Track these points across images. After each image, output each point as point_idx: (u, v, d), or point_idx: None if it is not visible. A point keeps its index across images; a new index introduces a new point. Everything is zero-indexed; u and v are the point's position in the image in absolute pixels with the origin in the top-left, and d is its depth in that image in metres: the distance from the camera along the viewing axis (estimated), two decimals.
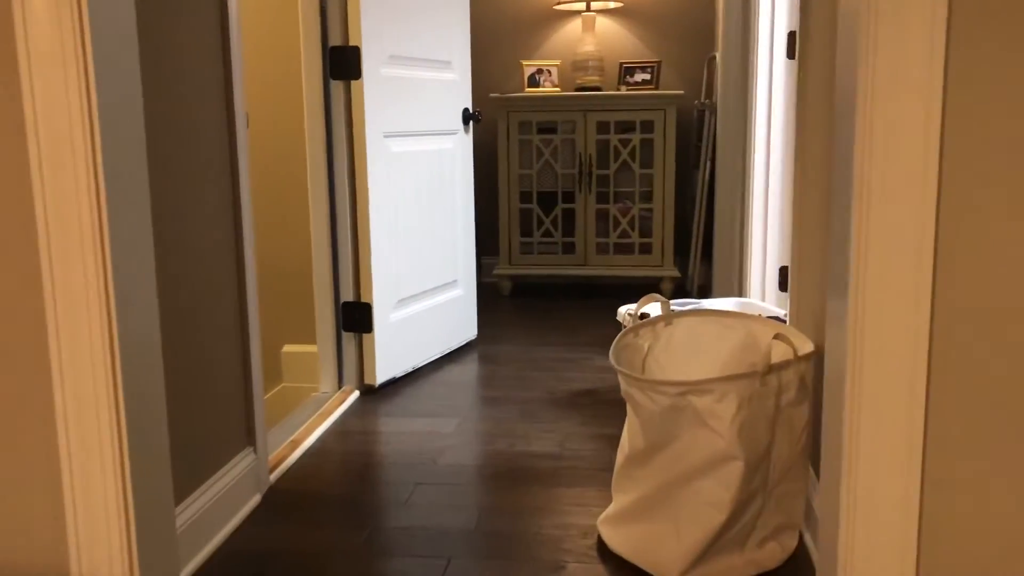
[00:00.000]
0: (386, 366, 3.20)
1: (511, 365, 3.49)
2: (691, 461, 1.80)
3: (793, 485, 1.89)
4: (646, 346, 2.10)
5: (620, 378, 1.92)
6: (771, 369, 1.77)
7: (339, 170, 3.05)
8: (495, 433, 2.76)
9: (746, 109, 3.16)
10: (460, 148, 3.61)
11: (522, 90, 4.89)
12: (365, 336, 3.14)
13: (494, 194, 5.03)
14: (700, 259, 4.69)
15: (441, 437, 2.74)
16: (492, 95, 4.66)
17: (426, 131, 3.36)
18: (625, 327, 2.85)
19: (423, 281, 3.39)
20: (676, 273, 4.69)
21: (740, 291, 3.91)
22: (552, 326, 4.13)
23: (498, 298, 4.77)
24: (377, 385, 3.17)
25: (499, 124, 4.68)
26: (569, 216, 4.78)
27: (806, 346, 1.88)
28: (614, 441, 2.66)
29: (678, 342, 2.12)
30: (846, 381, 1.42)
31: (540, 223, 4.75)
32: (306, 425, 2.81)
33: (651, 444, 1.85)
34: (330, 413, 2.93)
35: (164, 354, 1.85)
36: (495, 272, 4.80)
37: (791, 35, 3.03)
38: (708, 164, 4.57)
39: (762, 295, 3.25)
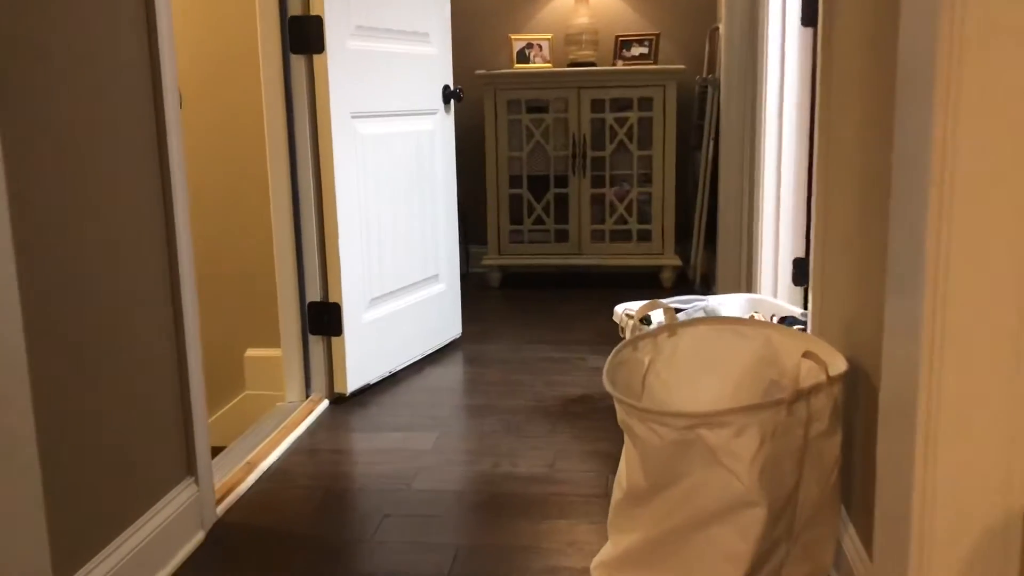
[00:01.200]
0: (358, 372, 2.89)
1: (498, 367, 3.18)
2: (702, 505, 1.49)
3: (822, 529, 1.59)
4: (646, 361, 1.79)
5: (616, 405, 1.61)
6: (800, 395, 1.46)
7: (302, 156, 2.73)
8: (478, 450, 2.46)
9: (755, 84, 2.84)
10: (440, 129, 3.29)
11: (511, 66, 4.56)
12: (334, 340, 2.83)
13: (481, 179, 4.70)
14: (703, 247, 4.37)
15: (417, 455, 2.44)
16: (478, 72, 4.33)
17: (401, 111, 3.04)
18: (621, 328, 2.54)
19: (400, 277, 3.08)
20: (677, 262, 4.38)
21: (748, 283, 3.60)
22: (544, 321, 3.82)
23: (486, 290, 4.46)
24: (348, 394, 2.86)
25: (486, 103, 4.35)
26: (562, 202, 4.46)
27: (838, 363, 1.57)
28: (610, 460, 2.36)
29: (684, 354, 1.81)
30: (918, 404, 1.13)
31: (531, 209, 4.43)
32: (266, 442, 2.51)
33: (654, 483, 1.55)
34: (294, 427, 2.63)
35: (75, 374, 1.54)
36: (483, 262, 4.49)
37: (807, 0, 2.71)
38: (711, 144, 4.25)
39: (774, 290, 2.94)
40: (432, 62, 3.21)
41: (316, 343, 2.84)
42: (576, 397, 2.86)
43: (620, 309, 2.63)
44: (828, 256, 1.98)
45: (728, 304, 2.74)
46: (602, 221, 4.41)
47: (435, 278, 3.32)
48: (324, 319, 2.82)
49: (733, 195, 4.13)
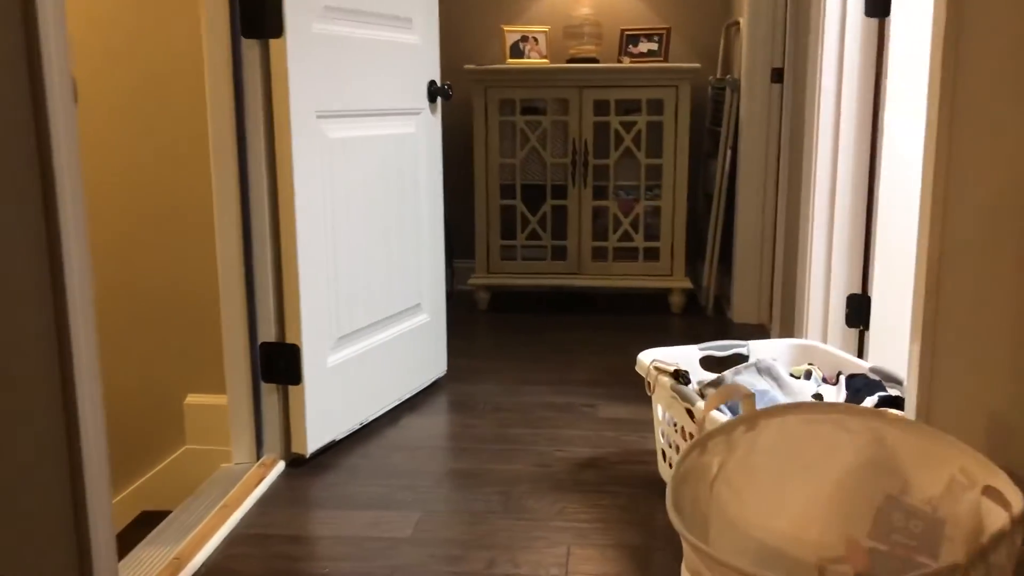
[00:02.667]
0: (321, 427, 2.38)
1: (490, 417, 2.68)
2: None
3: None
4: (716, 464, 1.29)
5: (684, 545, 1.11)
6: (980, 554, 0.97)
7: (254, 164, 2.21)
8: (468, 540, 1.95)
9: (803, 85, 2.35)
10: (425, 132, 2.78)
11: (503, 61, 4.05)
12: (292, 389, 2.32)
13: (469, 188, 4.19)
14: (717, 267, 3.89)
15: (393, 547, 1.93)
16: (467, 67, 3.82)
17: (378, 110, 2.53)
18: (649, 383, 2.05)
19: (374, 310, 2.57)
20: (687, 284, 3.89)
21: (782, 317, 3.10)
22: (541, 354, 3.32)
23: (473, 313, 3.96)
24: (308, 455, 2.35)
25: (475, 102, 3.85)
26: (560, 215, 3.96)
27: (1017, 497, 1.08)
28: (638, 557, 1.86)
29: (764, 453, 1.32)
30: None
31: (525, 223, 3.93)
32: (202, 526, 1.99)
33: None
34: (240, 502, 2.11)
35: None
36: (470, 281, 3.98)
37: None
38: (729, 153, 3.76)
39: (823, 331, 2.46)
40: (416, 53, 2.70)
41: (270, 393, 2.32)
42: (586, 460, 2.36)
43: (646, 359, 2.13)
44: (948, 307, 1.49)
45: (773, 351, 2.26)
46: (604, 237, 3.92)
47: (417, 308, 2.81)
48: (279, 364, 2.30)
49: (753, 210, 3.66)
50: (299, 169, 2.22)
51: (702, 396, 1.91)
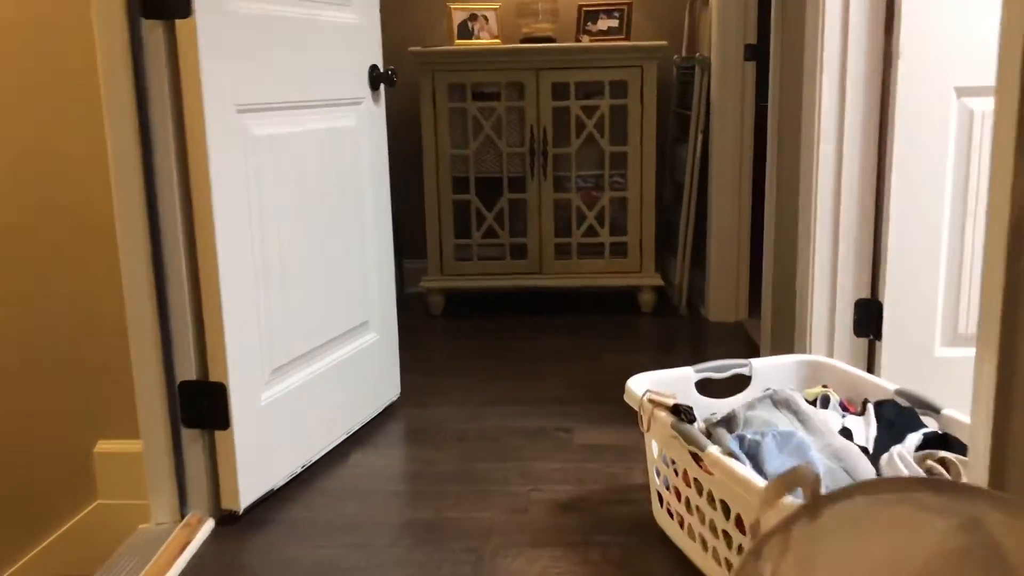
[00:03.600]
0: (256, 477, 2.03)
1: (452, 448, 2.35)
2: None
3: None
4: (768, 572, 0.98)
5: None
6: None
7: (163, 169, 1.84)
8: None
9: (812, 62, 2.05)
10: (368, 125, 2.43)
11: (451, 42, 3.71)
12: (219, 434, 1.96)
13: (418, 182, 3.84)
14: (690, 263, 3.60)
15: None
16: (412, 49, 3.46)
17: (312, 101, 2.17)
18: (642, 418, 1.74)
19: (315, 333, 2.22)
20: (658, 281, 3.60)
21: (748, 310, 2.79)
22: (504, 367, 3.00)
23: (427, 319, 3.62)
24: (242, 510, 2.00)
25: (422, 88, 3.49)
26: (519, 209, 3.63)
27: None
28: None
29: (828, 551, 1.01)
30: None
31: (480, 219, 3.59)
32: None
33: None
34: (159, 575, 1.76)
35: None
36: (422, 284, 3.64)
37: None
38: (700, 138, 3.47)
39: (828, 341, 2.17)
40: (354, 34, 2.34)
41: (193, 440, 1.97)
42: (567, 501, 2.05)
43: (637, 388, 1.82)
44: None
45: (778, 369, 1.97)
46: (568, 233, 3.60)
47: (364, 326, 2.46)
48: (202, 406, 1.94)
49: (727, 200, 3.38)
50: (217, 174, 1.85)
51: (709, 435, 1.61)
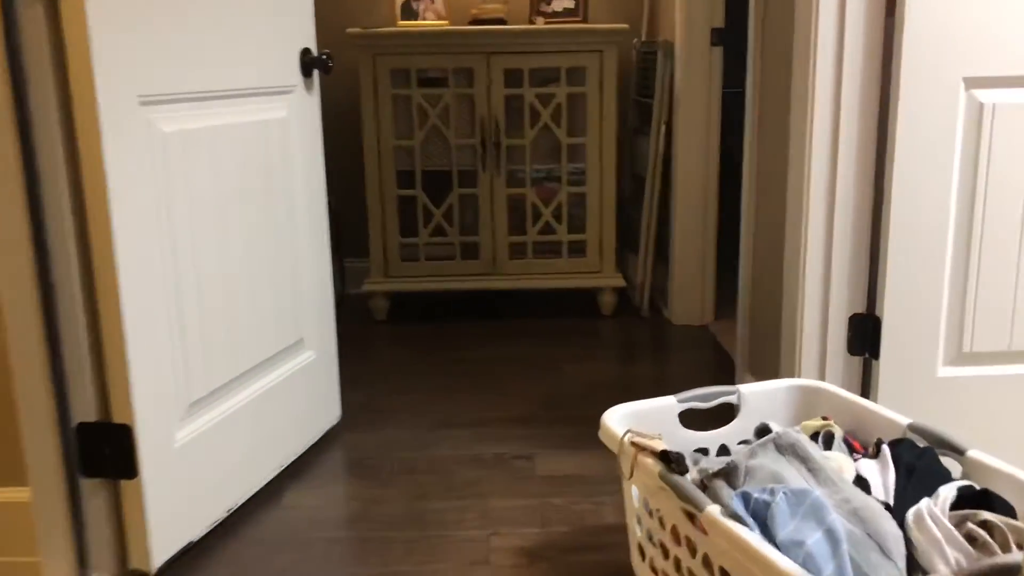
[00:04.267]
0: (171, 530, 1.74)
1: (400, 482, 2.09)
2: None
3: None
4: None
5: None
6: None
7: (48, 173, 1.54)
8: None
9: (806, 48, 1.81)
10: (299, 116, 2.14)
11: (394, 24, 3.41)
12: (125, 484, 1.67)
13: (358, 177, 3.55)
14: (653, 261, 3.37)
15: None
16: (350, 30, 3.16)
17: (234, 91, 1.88)
18: (625, 464, 1.51)
19: (240, 357, 1.93)
20: (619, 282, 3.36)
21: (714, 312, 2.53)
22: (455, 380, 2.74)
23: (369, 325, 3.33)
24: (153, 571, 1.71)
25: (362, 74, 3.20)
26: (470, 206, 3.36)
27: None
28: None
29: None
30: None
31: (428, 217, 3.31)
32: None
33: None
34: None
35: None
36: (365, 286, 3.35)
37: None
38: (663, 129, 3.24)
39: (820, 359, 1.95)
40: (283, 13, 2.04)
41: (94, 491, 1.67)
42: (533, 548, 1.80)
43: (615, 424, 1.57)
44: None
45: (769, 395, 1.74)
46: (523, 231, 3.34)
47: (299, 345, 2.18)
48: (105, 452, 1.65)
49: (693, 195, 3.16)
50: (116, 177, 1.55)
51: (704, 488, 1.37)
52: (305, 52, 2.12)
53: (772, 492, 1.26)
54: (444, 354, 2.99)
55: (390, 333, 3.24)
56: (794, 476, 1.35)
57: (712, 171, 3.20)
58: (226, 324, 1.87)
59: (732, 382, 2.69)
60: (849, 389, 1.95)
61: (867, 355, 1.93)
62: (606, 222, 3.32)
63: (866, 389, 1.95)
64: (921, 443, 1.49)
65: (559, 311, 3.46)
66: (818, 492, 1.27)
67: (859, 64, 1.80)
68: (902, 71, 1.75)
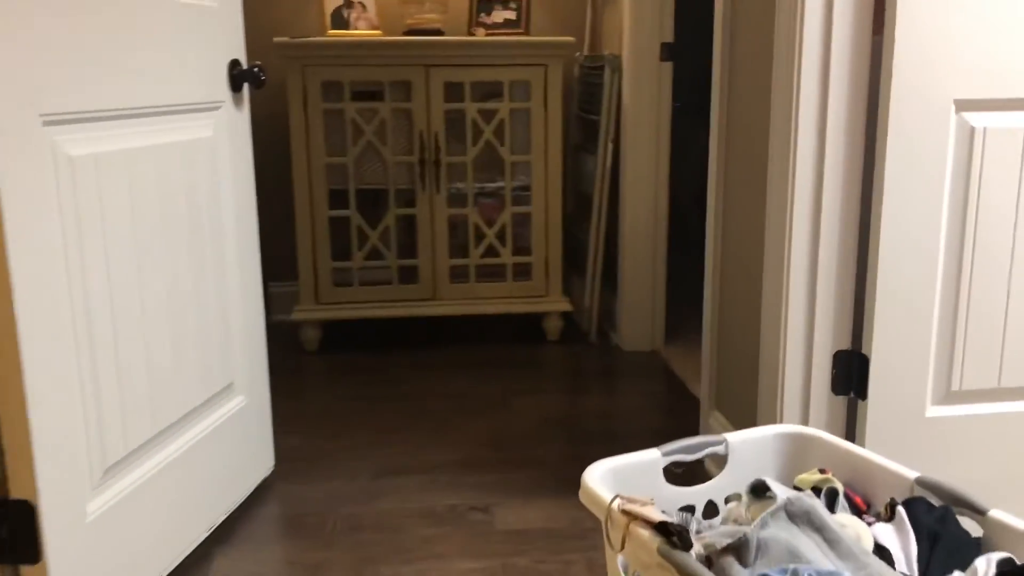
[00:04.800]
0: None
1: (343, 543, 1.88)
2: None
3: None
4: None
5: None
6: None
7: None
8: None
9: (788, 67, 1.67)
10: (228, 135, 1.91)
11: (323, 33, 3.19)
12: (27, 572, 1.42)
13: (286, 195, 3.32)
14: (600, 285, 3.23)
15: None
16: (277, 40, 2.93)
17: (153, 108, 1.65)
18: (608, 531, 1.33)
19: (162, 411, 1.70)
20: (566, 306, 3.21)
21: (664, 337, 2.36)
22: (398, 419, 2.53)
23: (300, 357, 3.10)
24: None
25: (290, 86, 2.97)
26: (408, 227, 3.17)
27: None
28: None
29: None
30: None
31: (363, 239, 3.10)
32: None
33: None
34: None
35: None
36: (295, 314, 3.11)
37: None
38: (610, 147, 3.10)
39: (803, 404, 1.81)
40: (210, 22, 1.82)
41: None
42: None
43: (598, 486, 1.39)
44: None
45: (756, 445, 1.59)
46: (465, 253, 3.16)
47: (228, 390, 1.95)
48: (2, 533, 1.40)
49: (642, 216, 3.03)
50: (13, 209, 1.32)
51: (709, 564, 1.20)
52: (234, 65, 1.90)
53: (793, 574, 1.11)
54: (383, 389, 2.78)
55: (323, 365, 3.01)
56: (811, 549, 1.20)
57: (662, 190, 3.07)
58: (147, 375, 1.64)
59: (690, 414, 2.56)
60: (833, 430, 1.82)
61: (852, 394, 1.81)
62: (552, 243, 3.16)
63: (851, 430, 1.82)
64: (935, 500, 1.36)
65: (503, 337, 3.29)
66: (845, 573, 1.12)
67: (845, 86, 1.67)
68: (892, 93, 1.63)
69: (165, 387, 1.70)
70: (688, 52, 3.23)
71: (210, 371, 1.86)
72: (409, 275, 3.13)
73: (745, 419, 2.05)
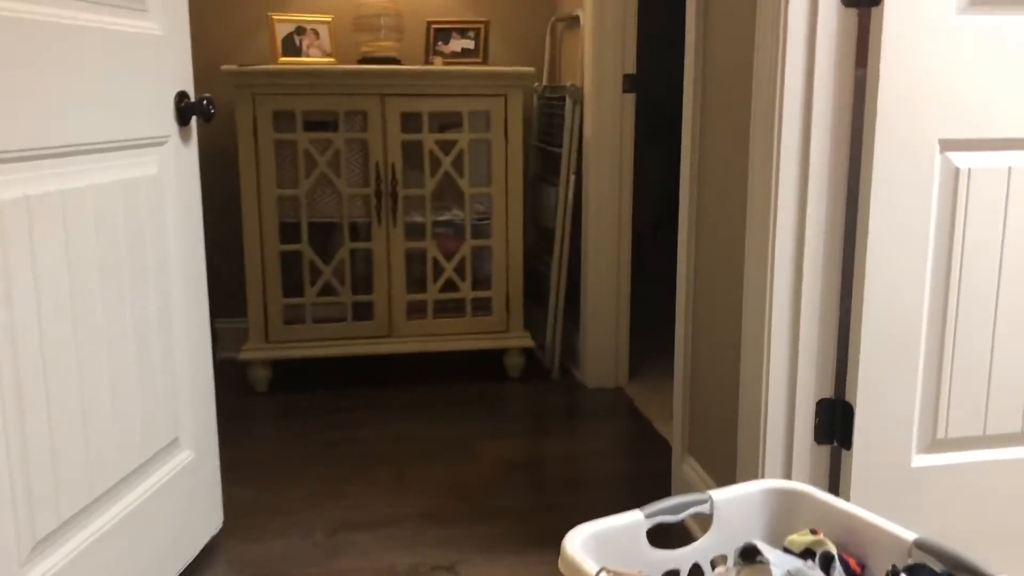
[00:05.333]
0: None
1: None
2: None
3: None
4: None
5: None
6: None
7: None
8: None
9: (769, 101, 1.60)
10: (175, 171, 1.78)
11: (274, 61, 3.07)
12: None
13: (234, 228, 3.18)
14: (563, 320, 3.14)
15: None
16: (225, 67, 2.80)
17: (91, 144, 1.51)
18: None
19: (100, 474, 1.55)
20: (527, 342, 3.11)
21: (628, 373, 2.27)
22: (355, 467, 2.40)
23: (249, 398, 2.95)
24: None
25: (240, 116, 2.84)
26: (363, 261, 3.05)
27: None
28: None
29: None
30: None
31: (316, 274, 2.97)
32: None
33: None
34: None
35: None
36: (243, 354, 2.96)
37: None
38: (572, 179, 3.02)
39: (785, 454, 1.73)
40: (155, 51, 1.70)
41: None
42: None
43: (580, 556, 1.29)
44: None
45: (743, 503, 1.51)
46: (422, 288, 3.04)
47: (174, 445, 1.81)
48: None
49: (605, 249, 2.96)
50: None
51: None
52: (181, 96, 1.77)
53: None
54: (337, 432, 2.65)
55: (273, 408, 2.87)
56: None
57: (625, 223, 3.00)
58: (84, 436, 1.49)
59: (658, 457, 2.47)
60: (816, 481, 1.75)
61: (835, 443, 1.73)
62: (512, 277, 3.06)
63: (835, 481, 1.75)
64: (935, 565, 1.28)
65: (463, 375, 3.18)
66: None
67: (828, 122, 1.61)
68: (876, 131, 1.57)
69: (104, 448, 1.55)
70: (644, 79, 3.18)
71: (154, 426, 1.72)
72: (364, 311, 3.01)
73: (722, 467, 1.97)
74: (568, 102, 2.97)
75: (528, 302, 3.37)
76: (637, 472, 2.39)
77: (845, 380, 1.70)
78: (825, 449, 1.75)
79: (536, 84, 3.38)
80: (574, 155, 3.01)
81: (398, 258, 2.98)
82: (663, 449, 2.54)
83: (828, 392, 1.72)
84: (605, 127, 2.92)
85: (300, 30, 3.11)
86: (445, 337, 3.05)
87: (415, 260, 3.05)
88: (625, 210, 2.99)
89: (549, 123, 3.22)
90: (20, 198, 1.33)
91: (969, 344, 1.68)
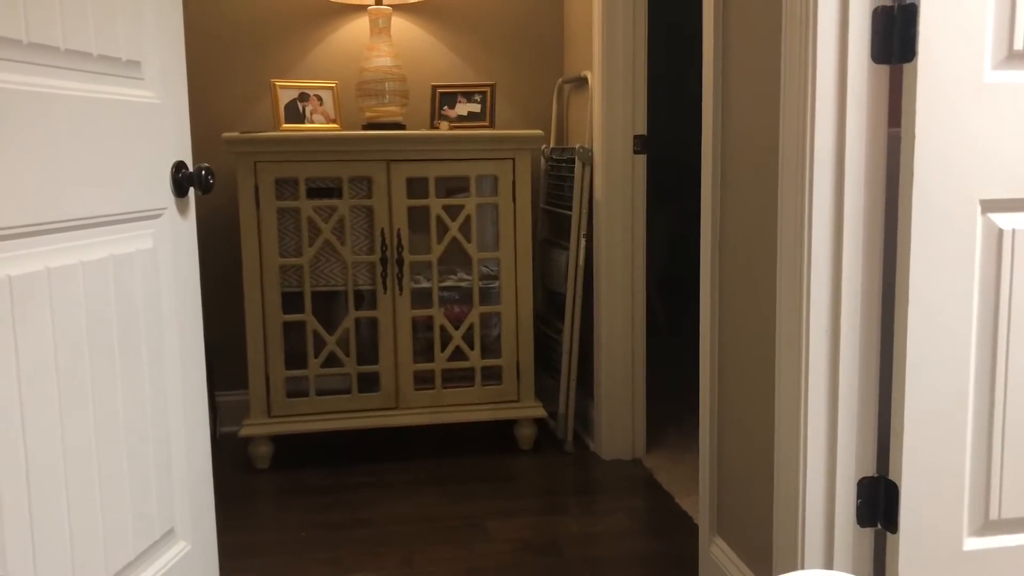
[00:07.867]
0: None
1: None
2: None
3: None
4: None
5: None
6: None
7: None
8: None
9: (799, 166, 1.52)
10: (171, 245, 1.69)
11: (277, 127, 3.01)
12: None
13: (235, 299, 3.09)
14: (575, 388, 3.02)
15: None
16: (226, 135, 2.74)
17: (81, 220, 1.43)
18: None
19: (86, 569, 1.43)
20: (539, 412, 2.99)
21: (646, 444, 2.14)
22: (360, 554, 2.27)
23: (249, 477, 2.82)
24: None
25: (241, 184, 2.77)
26: (369, 331, 2.95)
27: None
28: None
29: None
30: None
31: (320, 345, 2.87)
32: None
33: None
34: None
35: None
36: (244, 429, 2.84)
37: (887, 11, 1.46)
38: (583, 242, 2.93)
39: (827, 538, 1.61)
40: (152, 120, 1.62)
41: None
42: None
43: None
44: None
45: None
46: (430, 357, 2.94)
47: (169, 537, 1.69)
48: None
49: (619, 315, 2.86)
50: None
51: None
52: (179, 167, 1.69)
53: None
54: (343, 513, 2.52)
55: (275, 486, 2.74)
56: None
57: (639, 287, 2.91)
58: (70, 536, 1.38)
59: (682, 536, 2.34)
60: (860, 568, 1.62)
61: (879, 526, 1.61)
62: (523, 344, 2.96)
63: (879, 568, 1.62)
64: None
65: (472, 447, 3.05)
66: None
67: (861, 185, 1.52)
68: (913, 193, 1.49)
69: (92, 547, 1.44)
70: (651, 138, 3.11)
71: (148, 518, 1.60)
72: (370, 382, 2.90)
73: (754, 549, 1.84)
74: (577, 164, 2.91)
75: (538, 369, 3.26)
76: (662, 553, 2.25)
77: (888, 457, 1.59)
78: (868, 532, 1.62)
79: (544, 147, 3.32)
80: (584, 217, 2.93)
81: (404, 326, 2.88)
82: (688, 527, 2.40)
83: (870, 470, 1.60)
84: (616, 189, 2.84)
85: (303, 96, 3.05)
86: (454, 408, 2.93)
87: (422, 328, 2.95)
88: (638, 272, 2.90)
89: (557, 185, 3.15)
90: (2, 279, 1.23)
91: (1021, 414, 1.57)
